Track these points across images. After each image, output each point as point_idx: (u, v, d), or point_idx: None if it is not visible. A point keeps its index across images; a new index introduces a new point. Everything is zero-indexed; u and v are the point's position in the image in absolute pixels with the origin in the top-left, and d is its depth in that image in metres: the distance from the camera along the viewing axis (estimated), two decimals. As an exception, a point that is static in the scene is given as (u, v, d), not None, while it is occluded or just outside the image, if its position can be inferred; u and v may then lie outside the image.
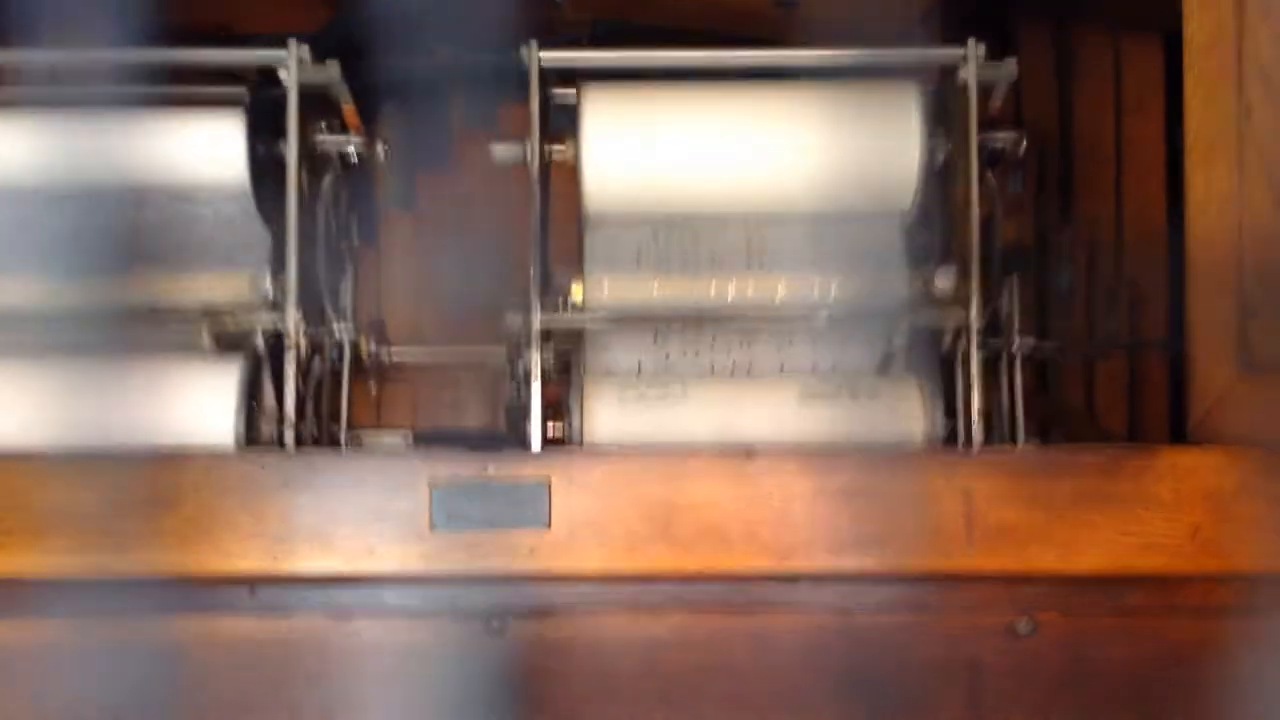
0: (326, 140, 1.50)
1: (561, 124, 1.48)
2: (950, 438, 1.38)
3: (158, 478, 1.12)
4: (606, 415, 1.38)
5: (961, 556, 1.14)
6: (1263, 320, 1.18)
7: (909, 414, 1.39)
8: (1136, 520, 1.13)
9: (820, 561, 1.14)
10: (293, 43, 1.41)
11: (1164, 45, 1.70)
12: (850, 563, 1.14)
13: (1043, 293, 1.86)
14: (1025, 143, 1.44)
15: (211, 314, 1.37)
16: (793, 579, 1.15)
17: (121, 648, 1.14)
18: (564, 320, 1.43)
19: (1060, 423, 1.77)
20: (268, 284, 1.40)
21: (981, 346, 1.37)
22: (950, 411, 1.39)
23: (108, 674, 1.14)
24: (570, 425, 1.37)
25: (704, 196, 1.45)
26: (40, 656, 1.13)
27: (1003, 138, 1.44)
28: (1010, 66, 1.41)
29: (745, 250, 1.48)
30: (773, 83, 1.45)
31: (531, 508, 1.13)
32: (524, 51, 1.42)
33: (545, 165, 1.42)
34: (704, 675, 1.17)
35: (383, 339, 1.53)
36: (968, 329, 1.37)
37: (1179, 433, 1.23)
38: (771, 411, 1.37)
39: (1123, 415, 1.73)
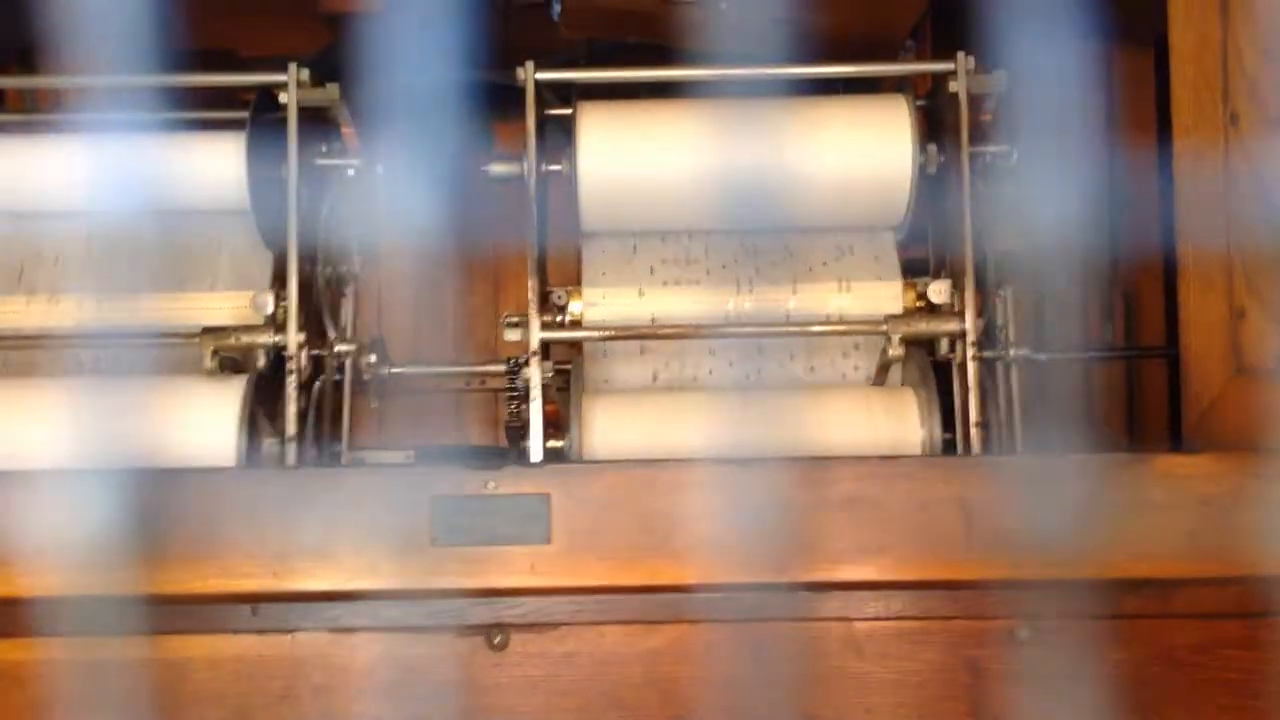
0: (326, 161, 1.52)
1: (559, 141, 1.49)
2: (948, 446, 1.39)
3: (159, 496, 1.13)
4: (606, 429, 1.38)
5: (961, 564, 1.14)
6: (1254, 323, 1.19)
7: (906, 423, 1.40)
8: (1133, 526, 1.14)
9: (819, 571, 1.14)
10: (292, 65, 1.42)
11: (1154, 53, 1.71)
12: (849, 572, 1.14)
13: (1039, 300, 1.86)
14: (1016, 155, 1.45)
15: (213, 333, 1.38)
16: (792, 589, 1.16)
17: (123, 667, 1.15)
18: (563, 335, 1.44)
19: (1058, 431, 1.77)
20: (269, 303, 1.41)
21: (978, 355, 1.37)
22: (948, 420, 1.39)
23: (108, 693, 1.14)
24: (570, 440, 1.38)
25: (699, 211, 1.46)
26: (41, 676, 1.14)
27: (994, 149, 1.45)
28: (1001, 78, 1.42)
29: (741, 263, 1.48)
30: (767, 98, 1.45)
31: (532, 522, 1.14)
32: (520, 70, 1.43)
33: (542, 182, 1.44)
34: (706, 687, 1.17)
35: (383, 357, 1.53)
36: (963, 339, 1.38)
37: (1178, 439, 1.23)
38: (770, 423, 1.38)
39: (1122, 422, 1.73)
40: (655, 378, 1.47)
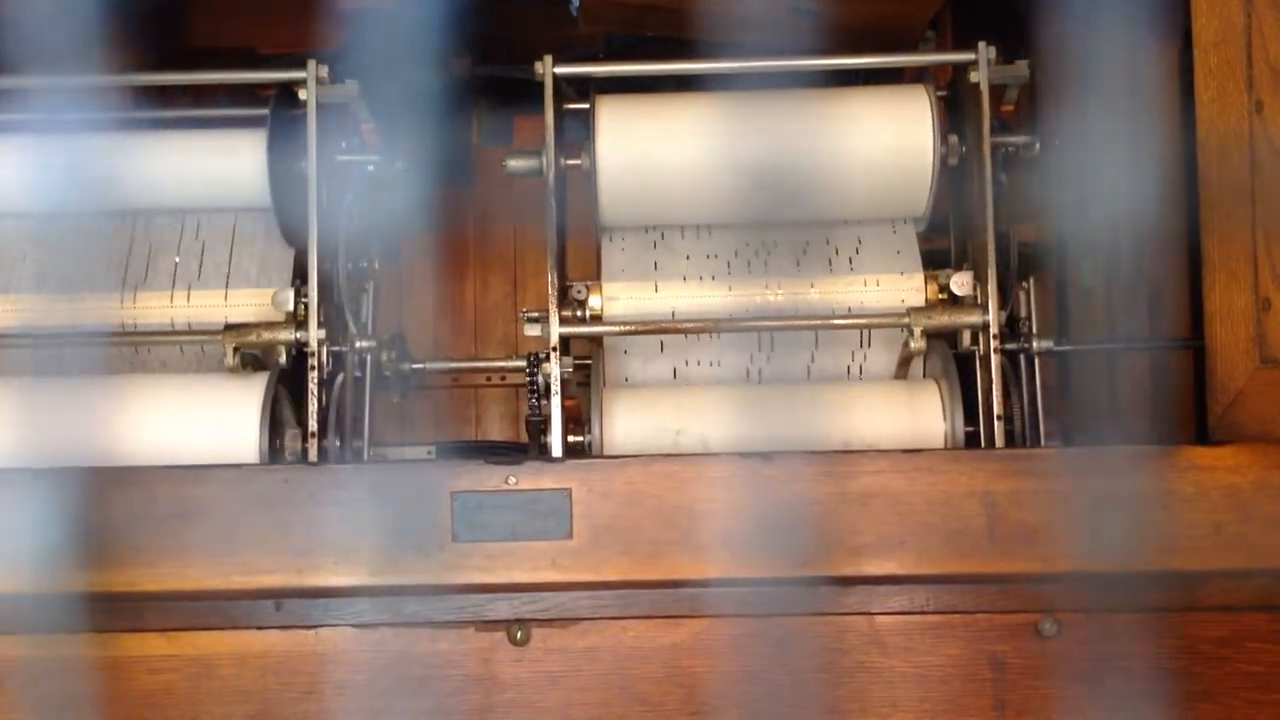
0: (347, 157, 1.52)
1: (578, 135, 1.49)
2: (971, 439, 1.38)
3: (183, 493, 1.14)
4: (626, 424, 1.38)
5: (983, 558, 1.14)
6: (1279, 315, 1.18)
7: (929, 416, 1.39)
8: (1158, 518, 1.13)
9: (841, 565, 1.14)
10: (312, 62, 1.42)
11: (1179, 42, 1.70)
12: (872, 566, 1.14)
13: (1063, 292, 1.85)
14: (1039, 145, 1.44)
15: (235, 330, 1.39)
16: (814, 583, 1.15)
17: (150, 663, 1.16)
18: (582, 331, 1.44)
19: (1081, 423, 1.76)
20: (290, 300, 1.42)
21: (1000, 347, 1.37)
22: (971, 413, 1.39)
23: (137, 689, 1.15)
24: (590, 435, 1.38)
25: (719, 204, 1.45)
26: (67, 670, 1.15)
27: (1017, 140, 1.44)
28: (1022, 68, 1.41)
29: (761, 256, 1.48)
30: (786, 90, 1.45)
31: (553, 517, 1.14)
32: (539, 64, 1.43)
33: (561, 176, 1.43)
34: (728, 682, 1.17)
35: (404, 353, 1.54)
36: (986, 331, 1.37)
37: (1204, 431, 1.22)
38: (791, 417, 1.38)
39: (1146, 414, 1.72)
40: (675, 372, 1.47)
